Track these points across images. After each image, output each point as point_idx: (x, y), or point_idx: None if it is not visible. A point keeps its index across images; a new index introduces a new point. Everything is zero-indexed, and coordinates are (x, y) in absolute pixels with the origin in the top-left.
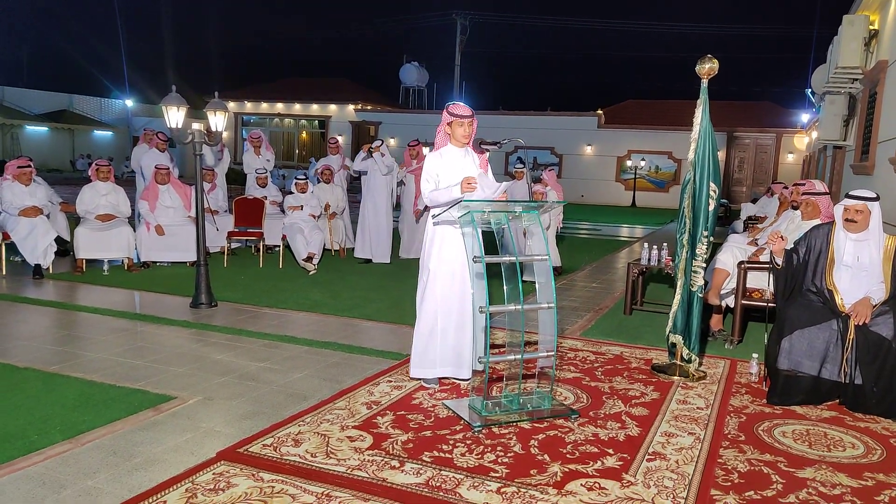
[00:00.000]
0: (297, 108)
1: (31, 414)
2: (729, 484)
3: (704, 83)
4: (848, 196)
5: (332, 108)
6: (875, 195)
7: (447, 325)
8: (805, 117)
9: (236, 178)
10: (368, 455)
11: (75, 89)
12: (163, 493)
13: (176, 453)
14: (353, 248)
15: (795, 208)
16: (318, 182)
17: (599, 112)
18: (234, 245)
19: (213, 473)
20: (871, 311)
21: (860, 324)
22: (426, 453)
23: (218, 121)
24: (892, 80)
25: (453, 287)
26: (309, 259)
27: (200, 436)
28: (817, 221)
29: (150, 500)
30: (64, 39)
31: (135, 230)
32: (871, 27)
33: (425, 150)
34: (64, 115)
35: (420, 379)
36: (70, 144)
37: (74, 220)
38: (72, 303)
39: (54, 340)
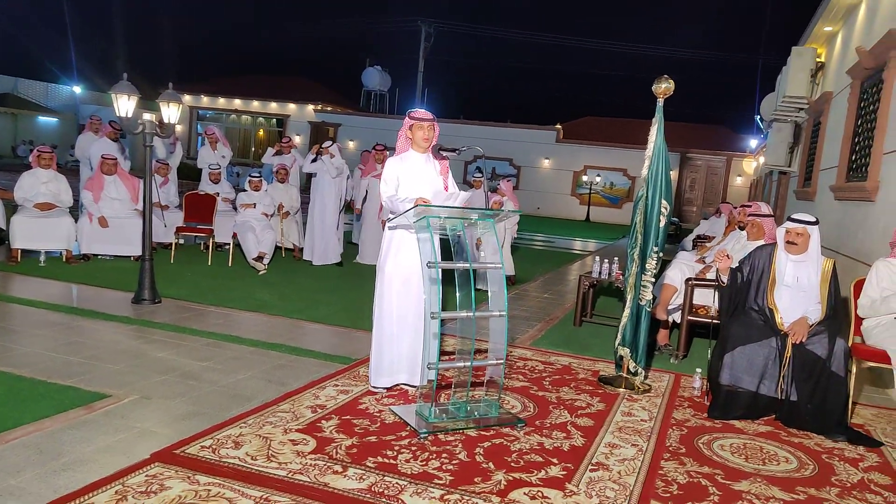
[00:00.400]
0: (256, 105)
1: None
2: (668, 495)
3: (660, 103)
4: (789, 219)
5: (292, 107)
6: (815, 219)
7: (402, 329)
8: (754, 143)
9: (189, 172)
10: (311, 459)
11: (20, 73)
12: (91, 495)
13: (107, 454)
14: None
15: (742, 229)
16: (273, 181)
17: (558, 126)
18: (181, 241)
19: (146, 475)
20: (808, 330)
21: (797, 342)
22: (370, 459)
23: (171, 113)
24: (836, 112)
25: (410, 291)
26: (259, 258)
27: (134, 436)
28: (762, 242)
29: (78, 502)
30: (9, 20)
31: (76, 221)
32: (818, 59)
33: (388, 153)
34: (7, 98)
35: (381, 388)
36: (12, 129)
37: (11, 208)
38: (4, 293)
39: None
